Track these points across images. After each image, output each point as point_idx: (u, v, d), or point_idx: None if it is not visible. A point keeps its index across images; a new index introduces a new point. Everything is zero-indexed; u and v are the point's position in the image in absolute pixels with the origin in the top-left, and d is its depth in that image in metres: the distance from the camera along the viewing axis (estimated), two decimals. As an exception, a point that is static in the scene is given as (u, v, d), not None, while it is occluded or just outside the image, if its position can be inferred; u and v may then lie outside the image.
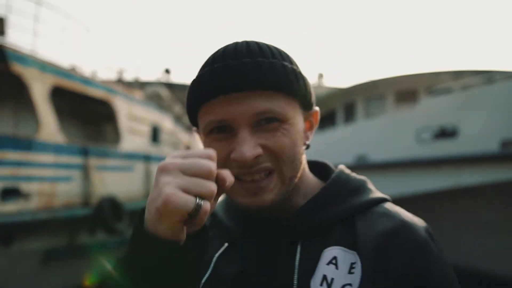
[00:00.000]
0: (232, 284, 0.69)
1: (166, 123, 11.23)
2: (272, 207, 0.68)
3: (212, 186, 0.55)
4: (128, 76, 14.83)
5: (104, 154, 7.62)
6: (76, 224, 6.80)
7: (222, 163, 0.66)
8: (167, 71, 18.66)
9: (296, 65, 0.72)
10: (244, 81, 0.64)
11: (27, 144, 5.85)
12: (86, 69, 7.74)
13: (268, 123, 0.66)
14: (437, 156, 6.83)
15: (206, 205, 0.54)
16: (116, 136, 8.54)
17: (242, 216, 0.77)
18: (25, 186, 5.76)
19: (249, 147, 0.64)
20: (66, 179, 6.58)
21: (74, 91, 7.02)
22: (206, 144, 0.70)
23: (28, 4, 7.16)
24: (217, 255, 0.75)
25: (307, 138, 0.76)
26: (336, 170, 0.80)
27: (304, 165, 0.77)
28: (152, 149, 9.87)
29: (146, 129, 9.57)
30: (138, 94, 10.51)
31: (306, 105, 0.74)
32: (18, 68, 5.81)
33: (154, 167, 9.81)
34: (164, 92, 12.78)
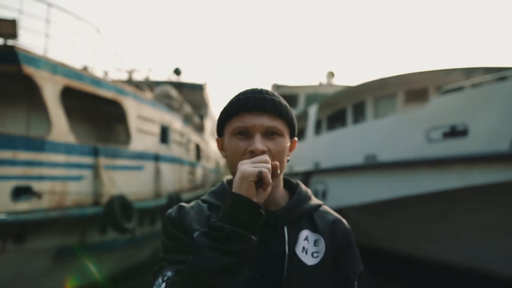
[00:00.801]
0: None
1: (175, 123, 11.31)
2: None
3: (269, 164, 0.94)
4: (139, 77, 14.94)
5: (114, 154, 7.71)
6: (86, 222, 6.90)
7: (242, 153, 1.05)
8: (177, 71, 18.68)
9: (292, 110, 1.14)
10: (264, 106, 1.07)
11: (39, 145, 5.96)
12: (97, 70, 7.83)
13: (272, 134, 1.07)
14: (446, 156, 6.78)
15: (266, 171, 0.92)
16: (126, 136, 8.63)
17: None
18: (37, 185, 5.86)
19: (260, 144, 1.03)
20: (77, 178, 6.68)
21: (84, 91, 7.12)
22: (231, 142, 1.08)
23: (39, 6, 7.26)
24: None
25: (287, 155, 1.13)
26: (299, 184, 1.23)
27: (298, 186, 1.22)
28: (161, 149, 9.95)
29: (155, 129, 9.65)
30: (148, 94, 10.60)
31: (291, 134, 1.14)
32: (29, 69, 5.91)
33: (164, 167, 9.92)
34: (174, 92, 12.85)
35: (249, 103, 1.07)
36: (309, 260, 1.07)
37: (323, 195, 11.09)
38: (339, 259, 1.12)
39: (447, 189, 6.89)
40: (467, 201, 6.91)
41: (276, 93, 1.13)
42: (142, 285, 8.82)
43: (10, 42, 5.94)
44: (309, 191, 1.23)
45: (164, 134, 10.30)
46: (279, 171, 0.99)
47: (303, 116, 14.16)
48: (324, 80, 19.39)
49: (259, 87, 1.13)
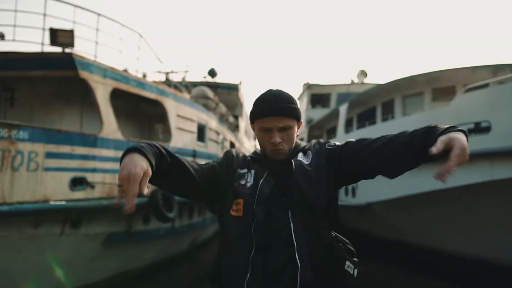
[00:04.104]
0: (272, 187, 1.55)
1: (212, 122, 11.93)
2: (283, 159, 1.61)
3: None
4: (176, 78, 15.64)
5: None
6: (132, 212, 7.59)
7: (267, 143, 1.58)
8: (212, 73, 19.09)
9: (296, 103, 1.63)
10: (280, 113, 1.54)
11: (92, 141, 6.69)
12: (138, 72, 8.53)
13: (284, 130, 1.56)
14: (470, 151, 6.98)
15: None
16: (166, 134, 9.32)
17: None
18: (90, 177, 6.59)
19: (278, 138, 1.55)
20: (125, 171, 7.36)
21: (130, 93, 7.83)
22: (259, 134, 1.60)
23: (89, 16, 7.99)
24: (261, 181, 1.57)
25: (297, 134, 1.66)
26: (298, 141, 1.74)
27: (296, 142, 1.71)
28: (198, 146, 10.58)
29: (193, 128, 10.29)
30: (185, 95, 11.28)
31: (298, 120, 1.62)
32: (85, 74, 6.66)
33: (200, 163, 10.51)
34: (210, 93, 13.46)
35: (270, 112, 1.54)
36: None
37: (352, 192, 11.42)
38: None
39: (471, 183, 7.10)
40: (492, 196, 7.10)
41: (287, 96, 1.60)
42: (179, 275, 9.49)
43: (67, 50, 6.72)
44: (303, 142, 1.76)
45: (201, 133, 10.91)
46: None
47: (335, 114, 14.48)
48: (356, 79, 19.53)
49: (277, 92, 1.61)
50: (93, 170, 6.65)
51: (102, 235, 7.13)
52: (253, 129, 1.67)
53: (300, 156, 1.62)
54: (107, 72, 7.12)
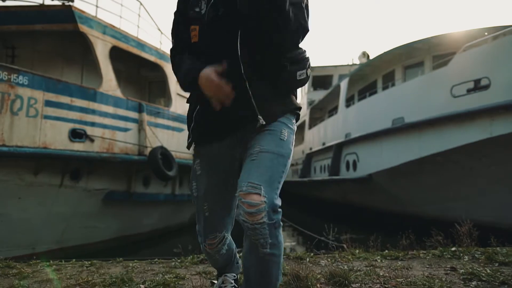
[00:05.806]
0: None
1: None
2: None
3: None
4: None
5: (156, 113, 8.38)
6: (132, 171, 7.63)
7: None
8: None
9: None
10: None
11: (91, 94, 6.72)
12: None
13: None
14: (469, 109, 6.97)
15: None
16: (166, 99, 9.34)
17: None
18: (90, 130, 6.63)
19: None
20: (124, 129, 7.40)
21: (129, 53, 7.85)
22: None
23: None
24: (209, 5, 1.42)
25: None
26: None
27: None
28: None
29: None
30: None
31: None
32: (84, 28, 6.69)
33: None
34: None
35: None
36: None
37: (354, 166, 11.41)
38: None
39: (472, 142, 7.07)
40: (492, 155, 7.07)
41: None
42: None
43: (67, 3, 6.75)
44: None
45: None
46: None
47: (336, 91, 14.46)
48: (358, 61, 19.48)
49: None
50: (93, 124, 6.68)
51: (102, 192, 7.17)
52: None
53: None
54: (106, 29, 7.15)
